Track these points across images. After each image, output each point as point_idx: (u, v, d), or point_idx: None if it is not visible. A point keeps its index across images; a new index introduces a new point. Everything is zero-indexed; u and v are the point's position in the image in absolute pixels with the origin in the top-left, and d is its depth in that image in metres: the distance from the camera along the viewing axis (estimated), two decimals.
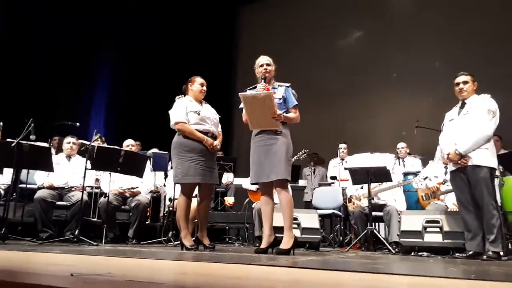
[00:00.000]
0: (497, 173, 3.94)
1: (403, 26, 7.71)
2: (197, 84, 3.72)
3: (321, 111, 7.83)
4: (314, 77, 7.99)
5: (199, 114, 3.60)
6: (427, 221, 4.08)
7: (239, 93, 3.18)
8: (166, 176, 6.31)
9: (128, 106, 8.22)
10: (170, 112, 3.66)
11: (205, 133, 3.59)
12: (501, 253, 3.35)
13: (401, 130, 6.70)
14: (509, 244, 3.83)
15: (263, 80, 3.34)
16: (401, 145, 5.82)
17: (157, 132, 7.98)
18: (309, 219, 4.51)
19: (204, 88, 3.74)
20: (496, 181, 3.98)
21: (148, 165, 5.09)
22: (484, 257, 3.35)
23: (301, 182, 6.17)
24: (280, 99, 3.32)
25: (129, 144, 5.18)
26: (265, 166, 3.24)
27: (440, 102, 6.57)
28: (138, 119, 7.99)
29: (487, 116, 3.47)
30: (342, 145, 6.18)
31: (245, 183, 5.86)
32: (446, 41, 7.24)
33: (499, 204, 3.92)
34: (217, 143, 3.65)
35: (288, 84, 3.36)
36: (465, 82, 3.65)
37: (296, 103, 3.30)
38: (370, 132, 7.52)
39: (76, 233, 3.97)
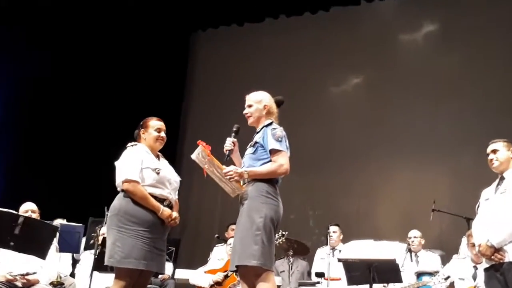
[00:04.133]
0: None
1: (416, 75, 8.19)
2: (152, 129, 3.80)
3: (303, 182, 8.01)
4: (293, 135, 8.21)
5: (158, 173, 3.66)
6: None
7: (191, 156, 3.51)
8: (75, 260, 6.18)
9: (28, 159, 8.12)
10: (117, 164, 3.70)
11: (162, 200, 3.64)
12: None
13: (412, 214, 6.96)
14: None
15: (233, 132, 3.68)
16: (414, 233, 5.97)
17: (65, 197, 8.00)
18: None
19: (163, 134, 3.82)
20: None
21: (53, 242, 4.98)
22: None
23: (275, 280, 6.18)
24: (254, 145, 3.55)
25: (29, 209, 5.05)
26: (234, 247, 3.41)
27: (465, 179, 7.00)
28: (39, 178, 7.90)
29: None
30: (333, 228, 6.30)
31: (193, 276, 5.85)
32: (477, 96, 7.66)
33: None
34: (176, 215, 3.70)
35: (267, 122, 3.59)
36: (494, 151, 3.87)
37: (274, 146, 3.45)
38: (369, 213, 7.77)
39: None
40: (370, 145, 8.23)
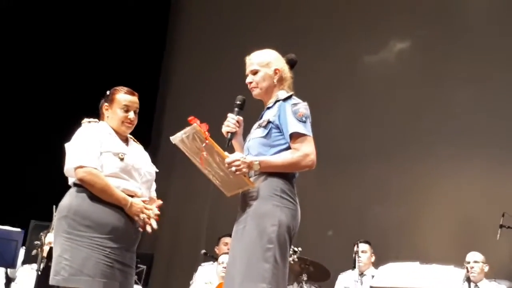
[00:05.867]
0: None
1: (486, 36, 8.06)
2: (118, 107, 3.80)
3: (323, 182, 8.03)
4: (312, 118, 8.23)
5: (122, 158, 3.68)
6: None
7: (171, 138, 3.47)
8: (9, 278, 6.22)
9: None
10: (68, 146, 3.73)
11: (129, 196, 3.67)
12: None
13: (472, 230, 6.99)
14: None
15: (236, 106, 3.62)
16: (475, 256, 6.00)
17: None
18: None
19: (131, 115, 3.81)
20: None
21: None
22: None
23: None
24: (266, 126, 3.50)
25: None
26: (232, 268, 3.39)
27: None
28: None
29: None
30: (363, 246, 6.34)
31: None
32: None
33: None
34: (155, 212, 3.73)
35: (284, 95, 3.53)
36: None
37: (297, 129, 3.41)
38: (414, 226, 7.74)
39: None
40: (416, 134, 8.22)
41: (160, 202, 3.88)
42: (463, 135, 7.90)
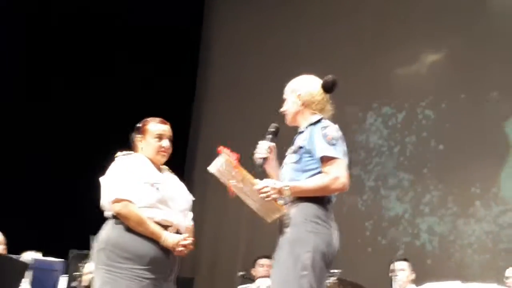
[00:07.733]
0: None
1: None
2: (151, 137, 3.88)
3: (357, 198, 7.99)
4: (346, 132, 8.17)
5: (158, 188, 3.72)
6: None
7: (208, 168, 3.53)
8: None
9: None
10: (103, 180, 3.80)
11: (165, 226, 3.71)
12: None
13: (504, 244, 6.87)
14: None
15: (269, 133, 3.68)
16: None
17: (37, 222, 8.02)
18: None
19: (165, 143, 3.88)
20: None
21: (24, 282, 5.09)
22: None
23: None
24: (297, 151, 3.53)
25: None
26: None
27: None
28: (3, 197, 8.03)
29: None
30: (400, 265, 6.23)
31: None
32: None
33: None
34: (189, 242, 3.75)
35: (315, 119, 3.54)
36: None
37: (326, 152, 3.42)
38: (453, 242, 7.60)
39: None
40: (461, 144, 8.04)
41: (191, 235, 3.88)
42: (502, 147, 7.79)
